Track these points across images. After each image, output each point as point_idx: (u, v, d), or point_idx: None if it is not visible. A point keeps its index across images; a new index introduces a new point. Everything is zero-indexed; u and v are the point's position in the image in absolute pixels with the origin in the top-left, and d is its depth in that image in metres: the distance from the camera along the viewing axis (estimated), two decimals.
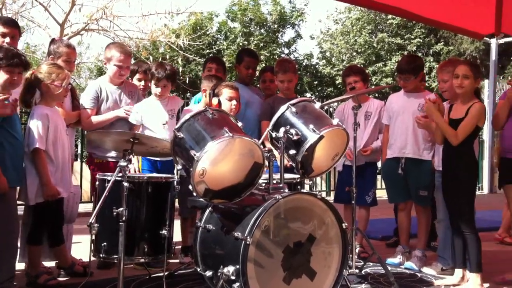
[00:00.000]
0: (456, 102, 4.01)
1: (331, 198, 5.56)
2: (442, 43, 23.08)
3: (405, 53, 22.34)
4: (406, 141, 4.51)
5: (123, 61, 4.39)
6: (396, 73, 4.98)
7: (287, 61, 5.33)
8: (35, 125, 3.60)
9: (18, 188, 3.63)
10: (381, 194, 5.23)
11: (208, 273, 3.11)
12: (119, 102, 4.45)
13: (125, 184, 3.07)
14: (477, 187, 12.30)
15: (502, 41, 7.31)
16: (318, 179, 10.40)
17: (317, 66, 26.57)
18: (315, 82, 25.89)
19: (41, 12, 11.50)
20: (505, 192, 4.16)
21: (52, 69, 3.75)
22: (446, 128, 3.87)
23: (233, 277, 2.87)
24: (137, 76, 4.87)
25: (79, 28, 12.15)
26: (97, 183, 3.53)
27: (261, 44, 23.63)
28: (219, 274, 2.93)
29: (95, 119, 4.35)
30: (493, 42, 7.47)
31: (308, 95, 24.22)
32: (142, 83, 4.83)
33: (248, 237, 2.85)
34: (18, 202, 3.68)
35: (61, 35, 11.33)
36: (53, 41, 4.41)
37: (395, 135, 4.58)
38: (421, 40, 23.57)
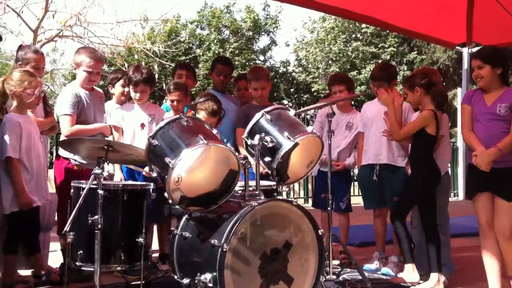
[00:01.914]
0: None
1: (308, 205, 5.60)
2: (416, 52, 23.45)
3: (379, 61, 22.67)
4: (380, 148, 4.58)
5: (93, 67, 4.27)
6: (370, 81, 5.06)
7: (259, 69, 5.37)
8: (7, 134, 3.56)
9: None
10: (358, 200, 5.28)
11: (186, 281, 3.10)
12: (93, 108, 4.35)
13: (100, 191, 3.05)
14: (451, 193, 12.50)
15: (474, 49, 7.46)
16: (296, 186, 10.46)
17: (293, 73, 26.75)
18: (292, 89, 26.06)
19: (14, 18, 11.33)
20: (475, 203, 3.83)
21: (24, 76, 3.73)
22: (393, 122, 4.17)
23: (210, 285, 2.87)
24: (121, 82, 4.84)
25: (53, 35, 12.01)
26: (72, 190, 3.50)
27: (236, 51, 23.70)
28: (196, 281, 2.93)
29: (79, 128, 4.18)
30: (465, 51, 7.62)
31: (285, 101, 24.37)
32: (126, 89, 4.78)
33: (224, 244, 2.85)
34: None
35: (35, 42, 11.20)
36: (20, 47, 4.34)
37: (370, 142, 4.65)
38: (395, 49, 23.93)
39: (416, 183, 4.17)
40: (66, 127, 4.13)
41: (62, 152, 4.13)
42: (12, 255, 3.72)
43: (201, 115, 4.24)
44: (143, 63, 14.41)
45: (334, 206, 4.76)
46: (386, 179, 4.58)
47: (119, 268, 3.56)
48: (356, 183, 6.98)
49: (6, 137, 3.55)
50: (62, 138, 4.07)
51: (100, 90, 4.67)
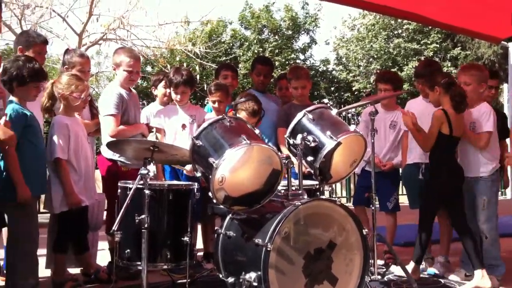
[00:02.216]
0: None
1: (351, 205, 5.55)
2: (459, 48, 22.88)
3: (422, 58, 22.25)
4: None
5: (132, 66, 4.31)
6: (414, 78, 4.98)
7: (299, 68, 5.37)
8: (56, 135, 3.67)
9: (42, 196, 3.70)
10: (403, 199, 5.20)
11: (230, 280, 3.13)
12: (133, 108, 4.41)
13: (147, 191, 3.12)
14: (500, 192, 12.13)
15: None
16: (338, 186, 10.39)
17: (333, 71, 26.54)
18: (332, 88, 25.87)
19: (60, 23, 11.66)
20: None
21: (71, 80, 3.83)
22: (419, 140, 4.13)
23: (255, 284, 2.89)
24: (162, 84, 4.92)
25: (97, 38, 12.30)
26: (119, 190, 3.58)
27: (276, 51, 23.70)
28: (241, 280, 2.96)
29: (124, 128, 4.23)
30: (511, 46, 7.40)
31: (325, 100, 24.22)
32: (168, 90, 4.83)
33: (268, 244, 2.87)
34: (44, 210, 3.75)
35: (80, 45, 11.50)
36: (67, 51, 4.47)
37: (413, 141, 4.58)
38: (438, 45, 23.40)
39: (434, 184, 4.16)
40: (112, 127, 4.17)
41: (107, 154, 4.21)
42: (62, 253, 3.83)
43: (242, 115, 4.27)
44: (184, 64, 14.59)
45: (380, 206, 4.73)
46: None
47: (165, 267, 3.62)
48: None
49: (55, 139, 3.66)
50: (107, 138, 4.13)
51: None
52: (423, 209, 4.24)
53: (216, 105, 4.61)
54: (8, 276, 3.44)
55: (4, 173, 3.36)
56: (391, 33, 25.04)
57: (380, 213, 4.46)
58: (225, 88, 4.72)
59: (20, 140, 3.36)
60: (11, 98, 3.48)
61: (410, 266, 4.15)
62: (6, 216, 3.54)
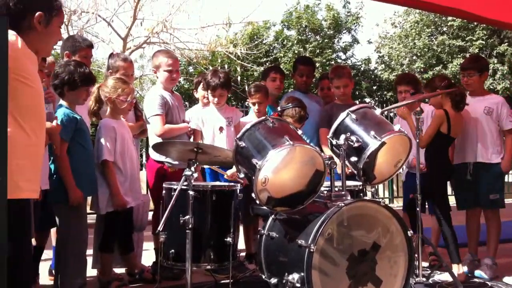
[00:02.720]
0: None
1: (394, 205, 5.47)
2: (506, 44, 22.22)
3: (467, 55, 21.73)
4: (473, 145, 4.42)
5: (172, 65, 4.40)
6: (459, 72, 4.91)
7: (341, 67, 5.32)
8: (103, 138, 3.76)
9: (89, 197, 3.80)
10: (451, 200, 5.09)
11: (273, 280, 3.14)
12: (176, 109, 4.48)
13: (191, 192, 3.15)
14: None
15: None
16: (380, 187, 10.26)
17: (375, 71, 26.20)
18: (374, 87, 25.54)
19: (105, 28, 11.96)
20: None
21: (117, 84, 3.91)
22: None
23: (298, 285, 2.88)
24: (202, 85, 4.97)
25: (141, 42, 12.53)
26: (163, 192, 3.64)
27: (317, 51, 23.57)
28: (284, 281, 2.96)
29: (170, 127, 4.32)
30: None
31: (367, 100, 23.93)
32: (205, 93, 4.90)
33: (312, 245, 2.86)
34: (90, 211, 3.85)
35: (124, 49, 11.75)
36: (111, 55, 4.58)
37: (462, 140, 4.48)
38: (484, 42, 22.77)
39: (428, 179, 4.35)
40: (158, 127, 4.26)
41: (155, 156, 4.28)
42: (108, 253, 3.92)
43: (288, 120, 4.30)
44: (226, 66, 14.69)
45: (427, 208, 4.64)
46: (481, 177, 4.41)
47: (208, 267, 3.64)
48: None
49: (102, 141, 3.75)
50: (153, 140, 4.21)
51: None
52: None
53: (256, 106, 4.63)
54: (57, 276, 3.54)
55: (55, 176, 3.47)
56: (435, 30, 24.52)
57: (425, 214, 4.38)
58: (264, 89, 4.74)
59: (71, 143, 3.46)
60: (61, 102, 3.59)
61: (455, 269, 4.08)
62: (56, 218, 3.64)
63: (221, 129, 4.54)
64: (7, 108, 1.67)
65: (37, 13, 2.23)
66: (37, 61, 2.28)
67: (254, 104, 4.66)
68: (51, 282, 3.67)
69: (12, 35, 2.03)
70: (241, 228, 4.52)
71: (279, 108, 4.36)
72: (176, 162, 4.22)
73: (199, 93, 4.99)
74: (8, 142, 2.00)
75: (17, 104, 2.10)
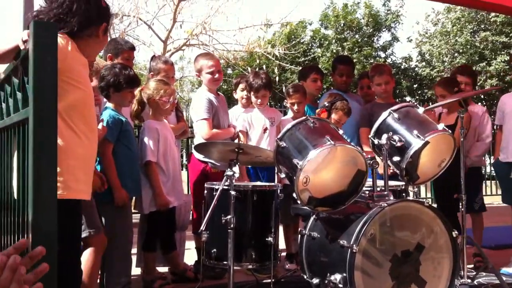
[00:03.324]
0: None
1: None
2: None
3: (511, 52, 21.14)
4: None
5: (213, 66, 4.44)
6: (503, 69, 4.79)
7: (381, 64, 5.32)
8: (147, 139, 3.82)
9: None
10: (491, 200, 4.99)
11: (315, 281, 3.13)
12: (222, 111, 4.53)
13: (232, 192, 3.18)
14: None
15: None
16: (422, 187, 10.08)
17: (416, 68, 25.78)
18: (415, 86, 25.13)
19: (145, 31, 12.16)
20: None
21: (159, 85, 3.97)
22: None
23: (340, 285, 2.87)
24: (241, 86, 5.01)
25: (181, 44, 12.69)
26: (205, 192, 3.68)
27: (355, 49, 23.36)
28: (326, 281, 2.95)
29: (218, 131, 4.37)
30: None
31: (408, 99, 23.57)
32: (245, 93, 4.94)
33: (354, 245, 2.84)
34: (134, 211, 3.92)
35: (164, 51, 11.91)
36: (152, 58, 4.66)
37: (507, 138, 4.37)
38: None
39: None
40: (206, 131, 4.31)
41: (199, 156, 4.34)
42: (151, 252, 3.98)
43: (338, 115, 4.39)
44: (264, 66, 14.72)
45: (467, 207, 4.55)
46: None
47: (250, 266, 3.66)
48: (487, 182, 6.54)
49: (146, 142, 3.82)
50: (198, 141, 4.26)
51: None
52: None
53: (295, 106, 4.63)
54: (103, 274, 3.62)
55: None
56: (477, 27, 23.93)
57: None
58: (302, 89, 4.75)
59: (116, 144, 3.54)
60: (108, 104, 3.67)
61: None
62: (103, 217, 3.72)
63: (265, 129, 4.58)
64: (56, 109, 1.72)
65: (103, 24, 2.34)
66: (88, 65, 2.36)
67: (293, 104, 4.66)
68: (97, 281, 3.75)
69: (63, 38, 2.10)
70: (280, 228, 4.55)
71: (325, 103, 4.36)
72: (219, 164, 4.27)
73: (238, 94, 5.02)
74: (59, 143, 2.08)
75: (67, 106, 2.16)
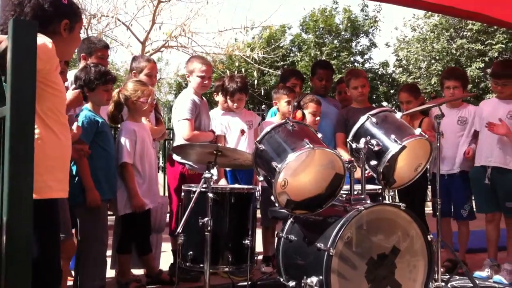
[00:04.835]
0: None
1: None
2: None
3: (486, 59, 21.57)
4: (492, 149, 4.36)
5: (205, 72, 4.42)
6: (491, 78, 4.80)
7: (357, 69, 5.32)
8: (123, 140, 3.79)
9: None
10: None
11: (291, 283, 3.12)
12: (204, 114, 4.50)
13: (210, 195, 3.16)
14: None
15: None
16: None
17: (393, 74, 26.09)
18: (391, 91, 25.42)
19: (124, 31, 12.08)
20: None
21: (137, 86, 3.95)
22: None
23: None
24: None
25: (159, 45, 12.60)
26: (182, 194, 3.65)
27: (334, 54, 23.53)
28: (302, 284, 2.95)
29: (198, 133, 4.32)
30: None
31: (385, 104, 23.82)
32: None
33: (331, 249, 2.85)
34: (109, 212, 3.88)
35: (143, 52, 11.80)
36: (134, 58, 4.63)
37: (482, 142, 4.44)
38: (504, 46, 22.55)
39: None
40: (187, 131, 4.25)
41: (177, 158, 4.30)
42: (125, 254, 3.94)
43: (310, 107, 4.46)
44: (243, 70, 14.72)
45: (454, 213, 4.59)
46: (498, 182, 4.35)
47: (226, 269, 3.64)
48: None
49: (122, 143, 3.78)
50: (178, 143, 4.23)
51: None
52: None
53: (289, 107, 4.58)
54: (77, 277, 3.58)
55: (77, 178, 3.50)
56: (454, 34, 24.34)
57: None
58: (293, 90, 4.80)
59: (92, 145, 3.50)
60: (85, 105, 3.63)
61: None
62: (77, 219, 3.67)
63: (242, 132, 4.57)
64: (34, 109, 1.69)
65: (64, 21, 2.29)
66: (60, 65, 2.33)
67: (288, 103, 4.58)
68: (71, 283, 3.70)
69: (48, 41, 2.08)
70: (258, 231, 4.55)
71: (294, 104, 4.35)
72: (197, 166, 4.25)
73: (219, 97, 5.01)
74: (40, 144, 2.07)
75: (44, 107, 2.15)
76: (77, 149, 3.24)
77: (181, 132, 4.30)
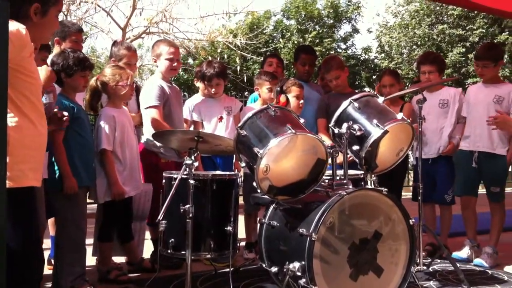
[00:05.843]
0: None
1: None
2: (507, 33, 22.17)
3: (467, 44, 21.73)
4: (480, 134, 4.39)
5: (173, 54, 4.25)
6: (474, 61, 4.81)
7: (329, 59, 5.17)
8: (102, 127, 3.73)
9: None
10: None
11: (274, 269, 3.13)
12: (174, 100, 4.33)
13: (191, 181, 3.13)
14: None
15: None
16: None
17: (375, 60, 26.18)
18: (373, 77, 25.54)
19: (104, 17, 11.92)
20: None
21: (115, 70, 3.88)
22: None
23: (299, 273, 2.87)
24: None
25: (140, 32, 12.44)
26: (163, 181, 3.61)
27: (317, 40, 23.51)
28: (285, 270, 2.94)
29: (162, 124, 4.08)
30: None
31: (367, 89, 23.91)
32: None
33: (313, 234, 2.84)
34: (90, 200, 3.83)
35: (123, 39, 11.65)
36: (114, 43, 4.53)
37: (470, 127, 4.46)
38: (484, 31, 22.73)
39: None
40: (154, 119, 4.09)
41: (148, 145, 4.20)
42: (106, 242, 3.90)
43: (294, 91, 4.43)
44: (225, 56, 14.61)
45: (437, 198, 4.62)
46: (485, 167, 4.39)
47: (208, 256, 3.60)
48: None
49: (101, 130, 3.71)
50: (151, 130, 4.14)
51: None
52: None
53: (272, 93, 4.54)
54: (55, 263, 3.53)
55: (55, 165, 3.44)
56: (435, 20, 24.45)
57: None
58: (276, 77, 4.71)
59: (67, 132, 3.43)
60: (60, 92, 3.55)
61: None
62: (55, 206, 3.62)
63: (220, 118, 4.52)
64: (6, 96, 1.65)
65: (34, 5, 2.23)
66: (33, 50, 2.26)
67: (270, 90, 4.54)
68: (50, 272, 3.65)
69: (22, 27, 2.03)
70: (241, 217, 4.53)
71: (277, 89, 4.30)
72: (169, 154, 4.17)
73: (199, 83, 4.94)
74: (17, 132, 2.03)
75: (19, 94, 2.10)
76: (58, 117, 3.20)
77: (149, 120, 4.13)
